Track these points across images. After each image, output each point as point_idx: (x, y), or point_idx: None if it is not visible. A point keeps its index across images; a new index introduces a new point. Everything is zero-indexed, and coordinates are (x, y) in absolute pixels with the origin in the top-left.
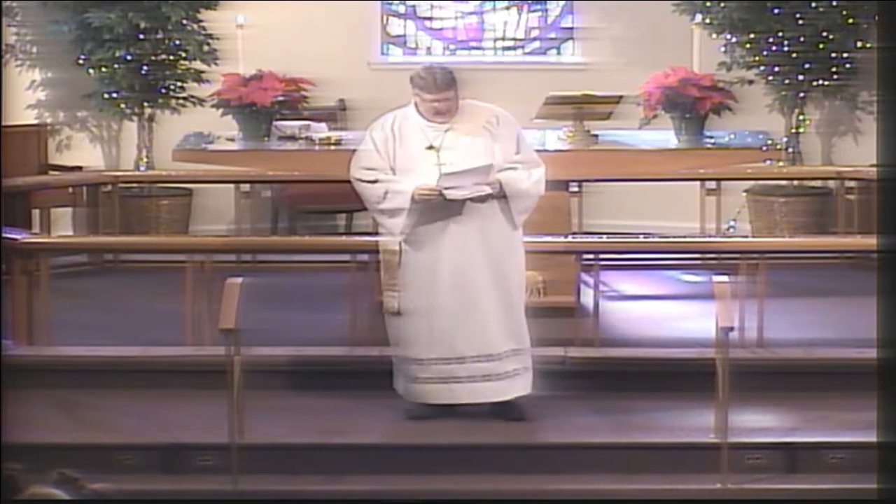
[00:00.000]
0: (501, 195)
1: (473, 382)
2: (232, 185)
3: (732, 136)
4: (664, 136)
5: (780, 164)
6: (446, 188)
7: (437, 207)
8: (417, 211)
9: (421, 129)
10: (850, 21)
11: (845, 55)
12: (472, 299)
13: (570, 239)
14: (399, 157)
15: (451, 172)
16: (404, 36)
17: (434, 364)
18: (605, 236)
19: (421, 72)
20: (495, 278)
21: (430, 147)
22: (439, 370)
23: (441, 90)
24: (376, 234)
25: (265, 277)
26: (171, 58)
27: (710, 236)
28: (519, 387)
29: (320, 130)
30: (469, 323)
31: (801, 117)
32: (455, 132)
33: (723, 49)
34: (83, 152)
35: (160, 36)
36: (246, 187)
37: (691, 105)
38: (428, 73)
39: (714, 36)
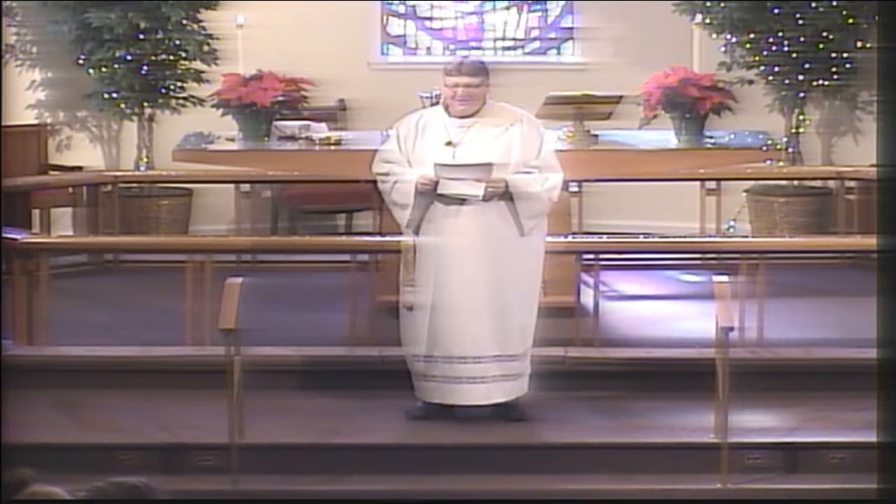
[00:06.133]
0: (509, 197)
1: (459, 384)
2: (232, 185)
3: (732, 136)
4: (664, 136)
5: (780, 164)
6: (442, 178)
7: (446, 205)
8: (424, 205)
9: (444, 126)
10: (850, 21)
11: (845, 55)
12: (466, 300)
13: (570, 239)
14: (417, 150)
15: (447, 164)
16: (404, 36)
17: (432, 362)
18: (605, 236)
19: (452, 58)
20: (493, 282)
21: (449, 143)
22: (438, 368)
23: (462, 74)
24: (378, 234)
25: (265, 277)
26: (171, 58)
27: (710, 236)
28: (498, 394)
29: (320, 130)
30: (460, 324)
31: (801, 117)
32: (477, 130)
33: (723, 49)
34: (83, 152)
35: (160, 36)
36: (246, 187)
37: (691, 105)
38: (456, 58)
39: (714, 36)
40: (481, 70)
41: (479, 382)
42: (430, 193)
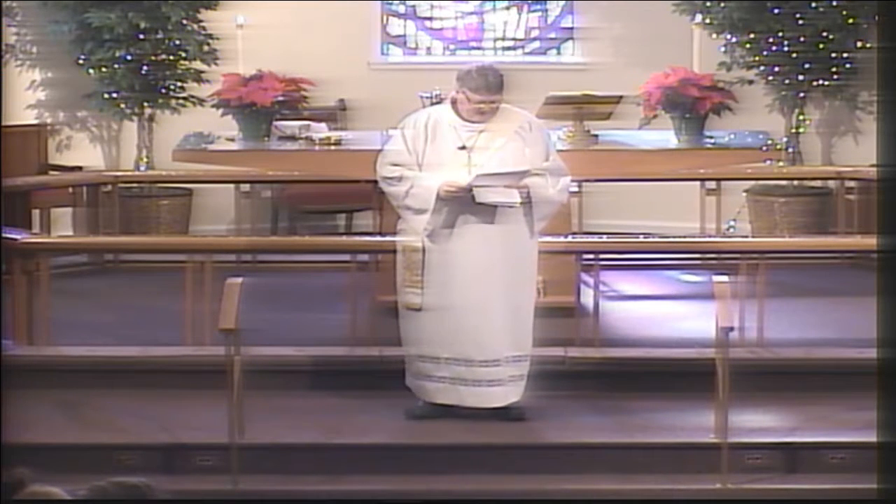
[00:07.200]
0: (526, 201)
1: (479, 386)
2: (232, 185)
3: (732, 136)
4: (664, 136)
5: (780, 164)
6: (477, 187)
7: (462, 207)
8: (442, 209)
9: (454, 129)
10: (850, 21)
11: (845, 55)
12: (485, 302)
13: (570, 239)
14: (428, 154)
15: (485, 174)
16: (404, 36)
17: (445, 364)
18: (605, 236)
19: (473, 72)
20: (508, 283)
21: (463, 147)
22: (449, 370)
23: (491, 93)
24: (378, 234)
25: (265, 277)
26: (171, 58)
27: (710, 236)
28: (514, 393)
29: (320, 130)
30: (479, 326)
31: (801, 117)
32: (488, 134)
33: (723, 49)
34: (83, 152)
35: (160, 36)
36: (246, 187)
37: (691, 105)
38: (481, 75)
39: (714, 36)
40: (502, 84)
41: (497, 385)
42: (458, 200)
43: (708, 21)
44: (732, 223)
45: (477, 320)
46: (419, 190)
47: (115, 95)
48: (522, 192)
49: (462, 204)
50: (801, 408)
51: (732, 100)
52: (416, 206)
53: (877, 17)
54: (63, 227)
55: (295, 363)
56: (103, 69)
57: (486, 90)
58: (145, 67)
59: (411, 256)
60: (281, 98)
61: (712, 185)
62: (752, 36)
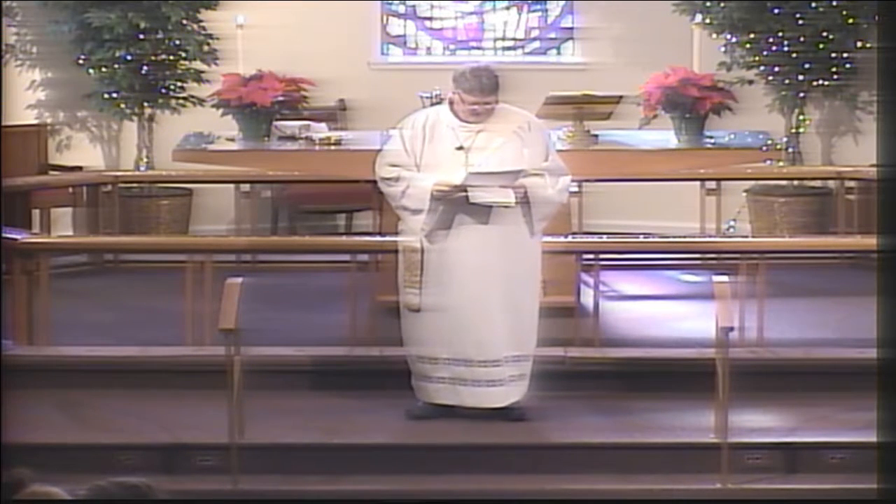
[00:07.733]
0: (524, 201)
1: (478, 387)
2: (232, 185)
3: (732, 136)
4: (664, 136)
5: (780, 164)
6: (471, 187)
7: (457, 207)
8: (438, 209)
9: (452, 129)
10: (850, 21)
11: (845, 55)
12: (485, 302)
13: (570, 239)
14: (426, 155)
15: (479, 172)
16: (404, 36)
17: (445, 364)
18: (605, 236)
19: (468, 73)
20: (508, 283)
21: (460, 147)
22: (449, 370)
23: (485, 94)
24: (378, 234)
25: (265, 277)
26: (171, 58)
27: (710, 236)
28: (514, 393)
29: (320, 130)
30: (479, 326)
31: (801, 117)
32: (486, 134)
33: (723, 49)
34: (83, 152)
35: (160, 36)
36: (246, 187)
37: (691, 105)
38: (475, 76)
39: (714, 36)
40: (497, 85)
41: (498, 385)
42: (454, 200)
43: (708, 21)
44: (732, 223)
45: (475, 320)
46: (414, 190)
47: (115, 95)
48: (518, 192)
49: (458, 204)
50: (801, 408)
51: (732, 100)
52: (412, 207)
53: (877, 17)
54: (63, 227)
55: (295, 363)
56: (103, 69)
57: (480, 91)
58: (145, 67)
59: (410, 257)
60: (281, 98)
61: (712, 185)
62: (752, 36)
